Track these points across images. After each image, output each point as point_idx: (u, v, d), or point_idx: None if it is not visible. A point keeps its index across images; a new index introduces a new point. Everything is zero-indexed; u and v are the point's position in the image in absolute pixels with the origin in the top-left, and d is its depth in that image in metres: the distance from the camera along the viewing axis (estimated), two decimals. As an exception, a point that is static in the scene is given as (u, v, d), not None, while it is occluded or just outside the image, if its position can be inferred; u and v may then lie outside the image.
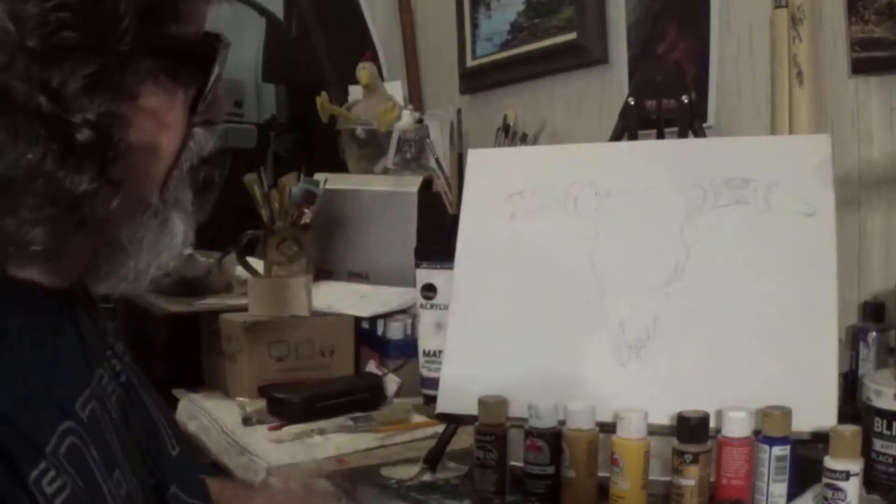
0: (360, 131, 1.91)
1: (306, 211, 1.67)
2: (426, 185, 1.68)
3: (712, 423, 0.90)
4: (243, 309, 1.54)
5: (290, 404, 1.30)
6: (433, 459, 1.06)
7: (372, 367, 1.50)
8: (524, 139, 1.64)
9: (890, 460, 0.90)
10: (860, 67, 1.20)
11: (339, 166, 1.95)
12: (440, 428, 1.09)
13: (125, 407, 0.60)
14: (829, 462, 0.82)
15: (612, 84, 1.65)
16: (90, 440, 0.52)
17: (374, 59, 2.16)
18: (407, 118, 1.86)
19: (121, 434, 0.57)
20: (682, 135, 1.13)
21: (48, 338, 0.55)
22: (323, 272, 1.78)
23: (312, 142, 2.27)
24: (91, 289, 0.62)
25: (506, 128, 1.67)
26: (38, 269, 0.54)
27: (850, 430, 0.83)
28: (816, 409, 0.89)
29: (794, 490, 0.87)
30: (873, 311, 1.16)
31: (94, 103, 0.51)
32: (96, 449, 0.53)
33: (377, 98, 1.93)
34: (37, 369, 0.52)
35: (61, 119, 0.49)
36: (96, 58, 0.50)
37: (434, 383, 1.15)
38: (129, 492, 0.54)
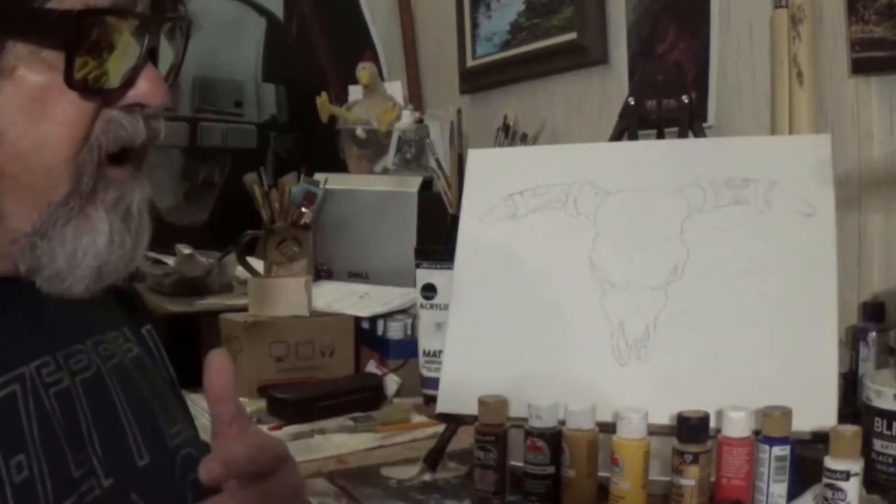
0: (360, 131, 1.91)
1: (306, 211, 1.67)
2: (426, 185, 1.68)
3: (712, 423, 0.90)
4: (243, 309, 1.54)
5: (290, 404, 1.30)
6: (433, 459, 1.06)
7: (372, 367, 1.50)
8: (524, 139, 1.64)
9: (890, 460, 0.90)
10: (860, 67, 1.20)
11: (339, 166, 1.95)
12: (440, 428, 1.09)
13: (69, 402, 0.59)
14: (829, 462, 0.82)
15: (612, 84, 1.65)
16: None
17: (374, 59, 2.17)
18: (407, 118, 1.86)
19: (46, 425, 0.56)
20: (682, 135, 1.13)
21: None
22: (323, 272, 1.78)
23: (312, 142, 2.27)
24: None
25: (506, 128, 1.67)
26: None
27: (850, 430, 0.83)
28: (816, 409, 0.89)
29: (794, 490, 0.86)
30: (873, 311, 1.16)
31: None
32: (0, 430, 0.53)
33: (377, 98, 1.94)
34: None
35: None
36: None
37: (434, 383, 1.15)
38: (28, 478, 0.54)
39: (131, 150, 0.59)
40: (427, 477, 1.05)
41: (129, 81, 0.58)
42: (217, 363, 0.67)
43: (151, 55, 0.59)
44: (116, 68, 0.57)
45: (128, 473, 0.62)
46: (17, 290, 0.58)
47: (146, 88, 0.58)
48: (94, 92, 0.56)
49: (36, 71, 0.54)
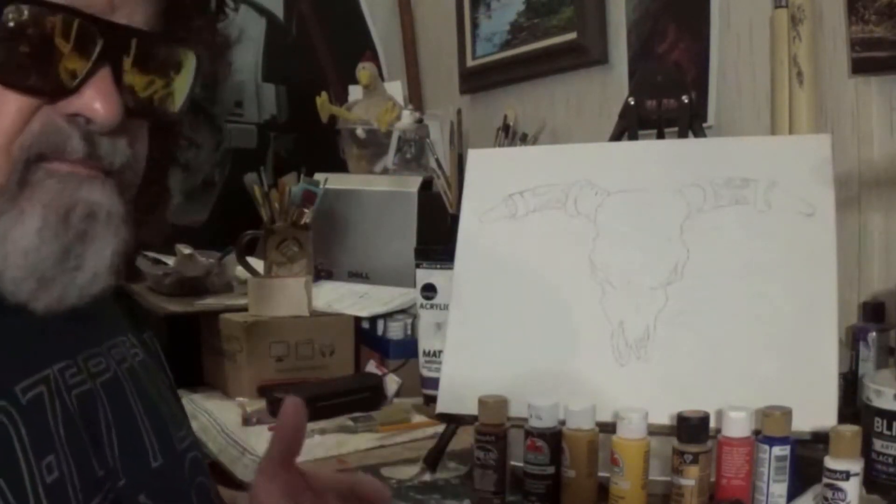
0: (360, 131, 1.91)
1: (306, 211, 1.67)
2: (426, 185, 1.68)
3: (712, 423, 0.90)
4: (243, 309, 1.54)
5: (290, 404, 1.30)
6: (433, 459, 1.06)
7: (372, 367, 1.50)
8: (524, 139, 1.64)
9: (890, 460, 0.90)
10: (860, 67, 1.20)
11: (339, 166, 1.95)
12: (440, 428, 1.09)
13: (91, 404, 0.59)
14: (829, 462, 0.82)
15: (612, 84, 1.65)
16: (23, 422, 0.52)
17: (374, 59, 2.16)
18: (407, 118, 1.86)
19: (72, 426, 0.56)
20: (682, 135, 1.13)
21: None
22: (323, 272, 1.78)
23: (312, 142, 2.27)
24: None
25: (506, 128, 1.67)
26: None
27: (850, 430, 0.83)
28: (816, 409, 0.89)
29: (794, 490, 0.87)
30: (873, 311, 1.16)
31: None
32: (30, 432, 0.53)
33: (377, 98, 1.93)
34: None
35: None
36: None
37: (434, 383, 1.15)
38: (58, 479, 0.53)
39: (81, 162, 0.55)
40: (427, 477, 1.05)
41: (71, 89, 0.54)
42: (293, 408, 0.67)
43: (114, 67, 0.55)
44: (54, 70, 0.53)
45: (141, 475, 0.62)
46: None
47: (89, 101, 0.54)
48: (20, 88, 0.53)
49: None
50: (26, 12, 0.52)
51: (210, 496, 0.71)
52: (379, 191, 1.76)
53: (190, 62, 0.61)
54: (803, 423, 0.88)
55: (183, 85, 0.61)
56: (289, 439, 0.68)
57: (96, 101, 0.54)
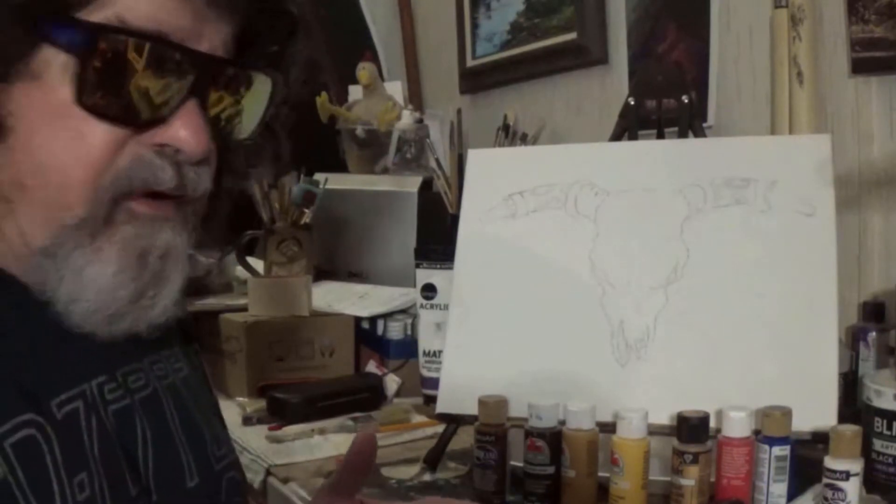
0: (360, 131, 1.91)
1: (306, 211, 1.67)
2: (426, 185, 1.68)
3: (712, 423, 0.90)
4: (243, 309, 1.54)
5: (290, 404, 1.30)
6: (433, 459, 1.06)
7: (372, 367, 1.50)
8: (524, 139, 1.64)
9: (890, 460, 0.90)
10: (860, 67, 1.20)
11: (339, 166, 1.95)
12: (440, 428, 1.09)
13: (128, 421, 0.59)
14: (829, 462, 0.82)
15: (612, 84, 1.65)
16: (57, 437, 0.52)
17: (374, 59, 2.16)
18: (407, 118, 1.86)
19: (107, 443, 0.56)
20: (682, 135, 1.13)
21: (30, 332, 0.54)
22: (323, 272, 1.78)
23: (312, 142, 2.27)
24: None
25: (506, 128, 1.67)
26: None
27: (850, 430, 0.83)
28: (816, 409, 0.89)
29: (794, 490, 0.87)
30: (873, 311, 1.16)
31: None
32: (63, 448, 0.52)
33: (377, 98, 1.93)
34: (5, 357, 0.52)
35: None
36: None
37: (434, 383, 1.15)
38: (90, 497, 0.53)
39: (167, 193, 0.55)
40: (427, 477, 1.05)
41: (161, 119, 0.54)
42: (365, 441, 0.70)
43: (201, 98, 0.55)
44: (145, 100, 0.53)
45: (176, 494, 0.61)
46: None
47: (179, 131, 0.54)
48: (110, 118, 0.53)
49: (61, 82, 0.51)
50: (119, 41, 0.52)
51: None
52: (379, 191, 1.76)
53: (265, 86, 0.61)
54: (803, 423, 0.88)
55: (257, 108, 0.61)
56: (356, 469, 0.70)
57: (185, 131, 0.54)
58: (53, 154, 0.52)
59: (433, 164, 1.57)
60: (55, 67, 0.51)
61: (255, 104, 0.61)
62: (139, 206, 0.55)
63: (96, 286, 0.54)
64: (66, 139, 0.52)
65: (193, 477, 0.63)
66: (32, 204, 0.53)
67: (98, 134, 0.53)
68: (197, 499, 0.63)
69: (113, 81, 0.52)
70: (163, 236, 0.56)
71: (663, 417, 0.92)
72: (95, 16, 0.51)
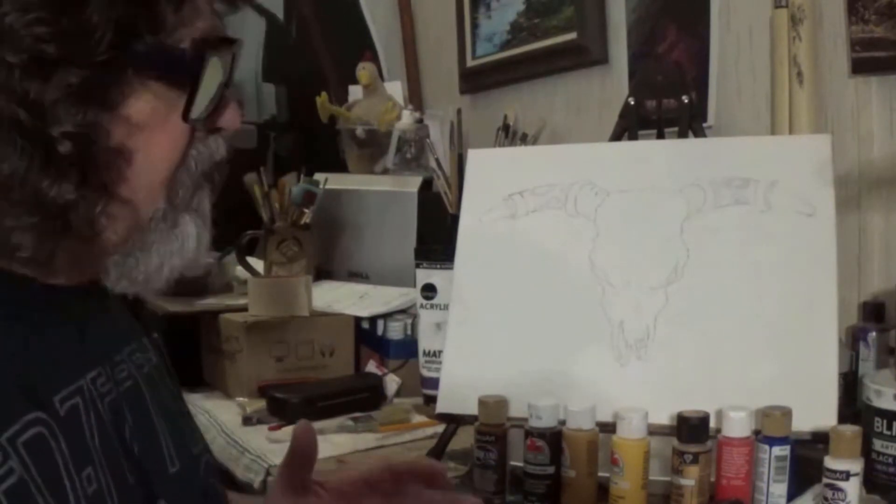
0: (360, 131, 1.91)
1: (306, 211, 1.67)
2: (426, 185, 1.68)
3: (712, 423, 0.90)
4: (243, 309, 1.54)
5: (290, 404, 1.30)
6: (433, 459, 1.06)
7: (372, 367, 1.49)
8: (524, 139, 1.64)
9: (890, 460, 0.90)
10: (860, 67, 1.20)
11: (339, 166, 1.95)
12: (440, 428, 1.09)
13: (119, 412, 0.60)
14: (829, 462, 0.82)
15: (612, 84, 1.65)
16: (63, 434, 0.53)
17: (374, 59, 2.16)
18: (407, 118, 1.86)
19: (106, 436, 0.57)
20: (682, 135, 1.13)
21: (31, 329, 0.55)
22: (323, 272, 1.78)
23: (312, 142, 2.27)
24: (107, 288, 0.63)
25: (506, 128, 1.67)
26: (32, 270, 0.56)
27: (850, 430, 0.83)
28: (816, 409, 0.89)
29: (794, 490, 0.87)
30: (873, 311, 1.16)
31: (73, 114, 0.52)
32: (69, 444, 0.53)
33: (377, 98, 1.93)
34: (7, 357, 0.52)
35: (40, 131, 0.51)
36: (74, 70, 0.51)
37: (434, 383, 1.15)
38: (97, 491, 0.54)
39: None
40: (427, 477, 1.05)
41: (220, 107, 0.60)
42: (304, 434, 0.78)
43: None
44: (225, 97, 0.60)
45: (160, 481, 0.62)
46: (67, 301, 0.59)
47: (232, 115, 0.61)
48: (205, 125, 0.60)
49: (144, 100, 0.56)
50: (219, 51, 0.58)
51: (221, 499, 0.72)
52: (379, 191, 1.76)
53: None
54: (803, 423, 0.88)
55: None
56: (303, 465, 0.77)
57: (235, 115, 0.62)
58: (141, 164, 0.57)
59: (433, 164, 1.57)
60: (140, 88, 0.56)
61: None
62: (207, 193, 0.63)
63: (181, 255, 0.61)
64: (152, 148, 0.57)
65: (175, 463, 0.65)
66: (120, 209, 0.57)
67: (178, 136, 0.59)
68: (178, 484, 0.65)
69: (213, 93, 0.59)
70: (206, 194, 0.63)
71: (663, 417, 0.92)
72: (174, 40, 0.56)
